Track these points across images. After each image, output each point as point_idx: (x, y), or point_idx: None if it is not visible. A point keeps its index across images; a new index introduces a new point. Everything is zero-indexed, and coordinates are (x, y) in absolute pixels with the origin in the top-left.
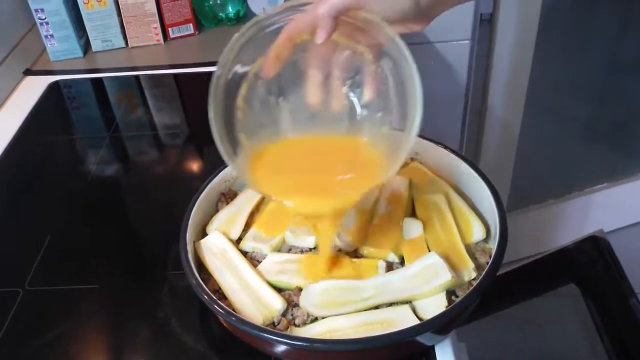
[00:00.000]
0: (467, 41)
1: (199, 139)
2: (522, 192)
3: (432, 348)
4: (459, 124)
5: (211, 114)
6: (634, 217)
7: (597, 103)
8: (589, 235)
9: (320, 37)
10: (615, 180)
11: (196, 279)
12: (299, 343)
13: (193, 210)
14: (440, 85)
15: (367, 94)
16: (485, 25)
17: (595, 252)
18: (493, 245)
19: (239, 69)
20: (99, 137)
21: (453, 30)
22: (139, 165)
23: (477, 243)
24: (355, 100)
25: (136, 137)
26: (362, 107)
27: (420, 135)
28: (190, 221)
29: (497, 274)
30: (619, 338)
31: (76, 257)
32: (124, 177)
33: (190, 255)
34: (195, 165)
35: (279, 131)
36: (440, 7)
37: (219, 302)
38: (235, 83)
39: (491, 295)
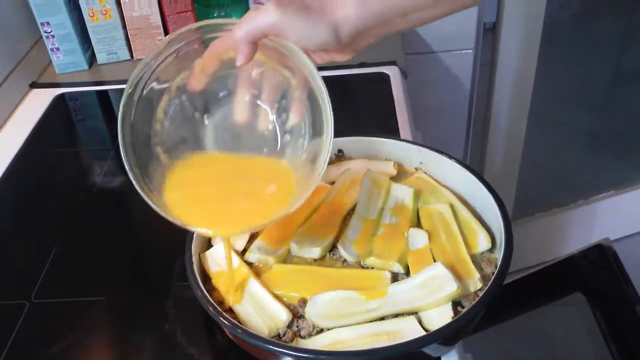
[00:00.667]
0: (470, 50)
1: None
2: (527, 201)
3: (439, 359)
4: (463, 133)
5: (121, 130)
6: (639, 225)
7: (601, 112)
8: (595, 244)
9: (239, 60)
10: (620, 188)
11: (201, 291)
12: (305, 355)
13: None
14: (443, 94)
15: (293, 118)
16: (489, 34)
17: (601, 261)
18: (499, 255)
19: (155, 85)
20: (104, 149)
21: (456, 40)
22: None
23: (482, 253)
24: (279, 124)
25: None
26: (286, 132)
27: (424, 145)
28: (195, 233)
29: (503, 283)
30: (626, 346)
31: (82, 269)
32: (130, 189)
33: (195, 267)
34: None
35: (200, 148)
36: (364, 41)
37: (224, 313)
38: (149, 100)
39: (497, 305)
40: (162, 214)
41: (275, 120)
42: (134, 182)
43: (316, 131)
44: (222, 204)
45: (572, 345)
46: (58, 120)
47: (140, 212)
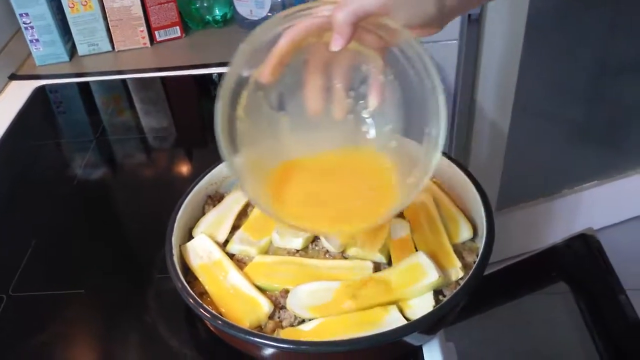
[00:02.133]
0: (455, 41)
1: (187, 142)
2: (511, 191)
3: (420, 348)
4: (449, 120)
5: (218, 119)
6: (623, 215)
7: (587, 103)
8: (579, 234)
9: (336, 45)
10: (604, 178)
11: (181, 283)
12: (286, 346)
13: (179, 213)
14: None
15: (373, 100)
16: (474, 25)
17: (585, 250)
18: (480, 244)
19: (245, 72)
20: (85, 140)
21: (441, 31)
22: (126, 168)
23: (464, 242)
24: (361, 110)
25: (123, 141)
26: (368, 118)
27: (406, 135)
28: (176, 224)
29: (486, 272)
30: (609, 335)
31: (62, 261)
32: (111, 180)
33: (175, 259)
34: (182, 168)
35: (280, 145)
36: (462, 10)
37: (204, 305)
38: (237, 90)
39: (480, 294)
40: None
41: (355, 108)
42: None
43: (408, 113)
44: (338, 204)
45: (555, 335)
46: (38, 112)
47: (121, 203)
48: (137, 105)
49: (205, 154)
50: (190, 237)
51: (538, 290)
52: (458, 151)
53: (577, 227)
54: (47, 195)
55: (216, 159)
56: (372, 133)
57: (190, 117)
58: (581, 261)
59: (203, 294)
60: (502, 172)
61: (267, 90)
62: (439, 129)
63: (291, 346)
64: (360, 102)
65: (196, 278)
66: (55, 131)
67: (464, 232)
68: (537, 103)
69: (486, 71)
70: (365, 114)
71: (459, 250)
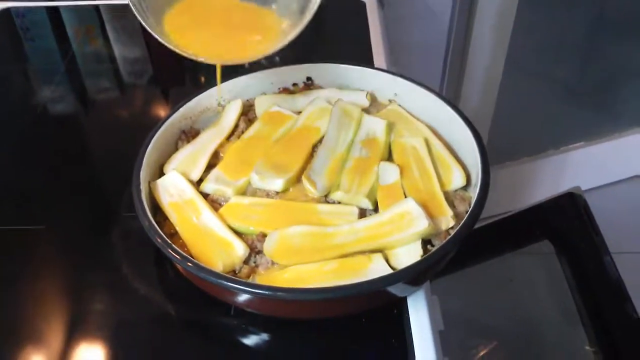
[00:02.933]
0: None
1: (162, 75)
2: (498, 148)
3: (404, 300)
4: (438, 78)
5: None
6: (609, 177)
7: (580, 62)
8: (566, 192)
9: None
10: (591, 139)
11: (149, 221)
12: (261, 291)
13: (149, 147)
14: (421, 31)
15: None
16: None
17: (571, 209)
18: (473, 194)
19: None
20: (52, 69)
21: None
22: (96, 101)
23: (456, 190)
24: None
25: (94, 72)
26: None
27: (401, 75)
28: (145, 159)
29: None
30: (591, 295)
31: (21, 195)
32: (79, 112)
33: (143, 195)
34: (157, 104)
35: None
36: None
37: (173, 246)
38: None
39: (464, 250)
40: (161, 40)
41: None
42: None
43: None
44: (220, 33)
45: (537, 293)
46: (2, 36)
47: (88, 138)
48: (111, 35)
49: (182, 91)
50: (161, 174)
51: (523, 247)
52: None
53: (562, 189)
54: (8, 125)
55: (193, 92)
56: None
57: (167, 50)
58: (567, 219)
59: (174, 235)
60: (489, 129)
61: None
62: None
63: (266, 292)
64: None
65: (166, 218)
66: (19, 57)
67: (457, 179)
68: (529, 61)
69: (481, 22)
70: None
71: (450, 199)
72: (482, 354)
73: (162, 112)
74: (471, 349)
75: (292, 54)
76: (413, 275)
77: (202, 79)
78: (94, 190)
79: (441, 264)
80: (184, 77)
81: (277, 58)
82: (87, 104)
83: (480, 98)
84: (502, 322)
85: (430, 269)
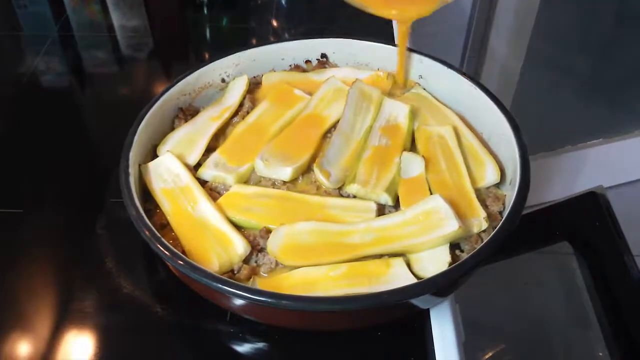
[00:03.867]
0: None
1: (164, 49)
2: None
3: (427, 312)
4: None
5: None
6: (628, 176)
7: (601, 57)
8: (588, 191)
9: None
10: (611, 137)
11: (136, 210)
12: (262, 298)
13: (141, 125)
14: (440, 24)
15: None
16: None
17: (593, 209)
18: (509, 192)
19: None
20: (43, 35)
21: None
22: (88, 72)
23: (489, 188)
24: None
25: (89, 42)
26: None
27: (428, 55)
28: (136, 137)
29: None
30: (611, 298)
31: None
32: (69, 84)
33: (132, 179)
34: (156, 79)
35: None
36: None
37: (163, 240)
38: None
39: None
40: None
41: None
42: None
43: None
44: None
45: (550, 295)
46: None
47: (77, 113)
48: (109, 1)
49: (186, 67)
50: (154, 156)
51: (539, 248)
52: None
53: (579, 186)
54: None
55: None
56: None
57: (170, 21)
58: (589, 220)
59: (165, 226)
60: None
61: None
62: None
63: (268, 299)
64: None
65: (157, 207)
66: (11, 22)
67: (490, 175)
68: (550, 54)
69: (502, 14)
70: None
71: (481, 197)
72: (487, 356)
73: (162, 88)
74: (478, 351)
75: (305, 27)
76: (442, 286)
77: (206, 54)
78: (81, 173)
79: (473, 273)
80: (188, 51)
81: (286, 34)
82: (80, 77)
83: (498, 91)
84: (512, 324)
85: (462, 279)
